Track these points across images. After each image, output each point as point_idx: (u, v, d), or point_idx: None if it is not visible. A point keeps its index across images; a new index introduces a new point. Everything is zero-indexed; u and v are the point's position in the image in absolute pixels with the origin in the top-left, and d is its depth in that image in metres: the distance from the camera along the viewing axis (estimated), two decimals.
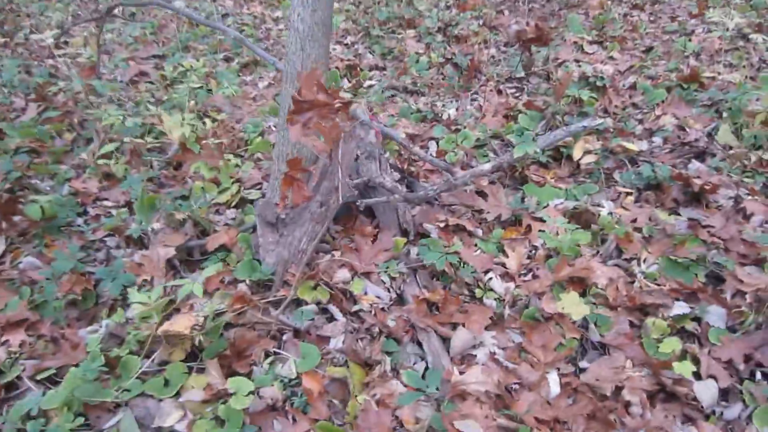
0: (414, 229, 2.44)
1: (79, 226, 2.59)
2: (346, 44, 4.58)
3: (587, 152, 2.86)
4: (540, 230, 2.40)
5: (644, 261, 2.24)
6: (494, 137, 3.09)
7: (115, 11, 3.80)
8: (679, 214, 2.46)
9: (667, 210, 2.49)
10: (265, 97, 3.80)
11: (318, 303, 2.12)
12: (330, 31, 2.33)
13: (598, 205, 2.54)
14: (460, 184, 2.45)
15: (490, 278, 2.19)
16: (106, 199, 2.74)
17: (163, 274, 2.28)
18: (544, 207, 2.54)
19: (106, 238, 2.51)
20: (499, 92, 3.55)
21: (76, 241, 2.47)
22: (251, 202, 2.68)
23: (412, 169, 2.85)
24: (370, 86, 3.79)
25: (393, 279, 2.21)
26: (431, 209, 2.54)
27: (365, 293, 2.15)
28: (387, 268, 2.22)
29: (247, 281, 2.18)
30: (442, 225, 2.41)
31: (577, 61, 3.83)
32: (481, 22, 4.63)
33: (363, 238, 2.34)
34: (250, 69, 4.24)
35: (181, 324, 1.81)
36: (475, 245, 2.36)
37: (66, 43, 4.44)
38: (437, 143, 3.10)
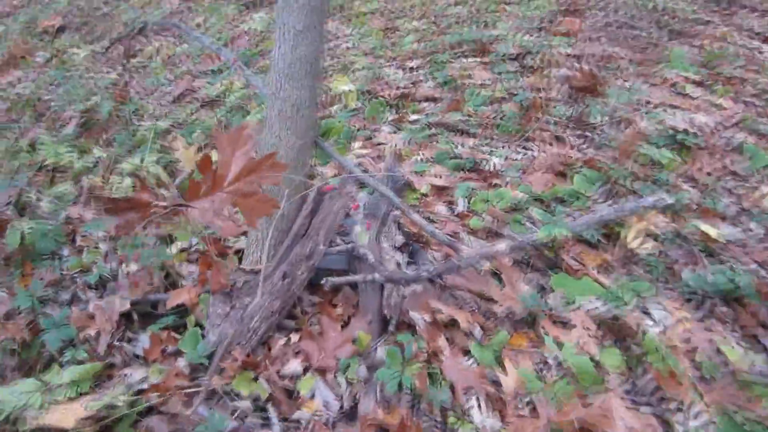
0: (398, 316, 1.99)
1: (62, 258, 2.44)
2: (410, 68, 4.18)
3: (648, 235, 2.23)
4: (558, 342, 1.85)
5: (693, 413, 1.62)
6: (538, 200, 2.53)
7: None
8: (761, 350, 1.79)
9: (745, 340, 1.83)
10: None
11: (255, 399, 1.76)
12: (318, 71, 1.95)
13: (647, 314, 1.93)
14: (465, 266, 1.97)
15: (472, 405, 1.70)
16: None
17: (112, 329, 2.04)
18: (573, 307, 1.98)
19: (77, 275, 2.34)
20: (560, 140, 2.96)
21: (48, 276, 2.32)
22: (237, 252, 2.39)
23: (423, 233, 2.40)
24: (416, 120, 3.36)
25: (350, 384, 1.79)
26: (427, 291, 2.08)
27: (312, 396, 1.76)
28: (347, 367, 1.81)
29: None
30: (430, 318, 1.94)
31: (671, 106, 3.12)
32: (569, 50, 4.01)
33: (330, 322, 1.94)
34: None
35: (64, 416, 1.53)
36: (468, 352, 1.87)
37: (134, 55, 4.47)
38: (468, 200, 2.61)
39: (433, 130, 3.25)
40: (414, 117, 3.40)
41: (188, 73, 4.08)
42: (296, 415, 1.71)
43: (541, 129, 3.04)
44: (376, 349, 1.87)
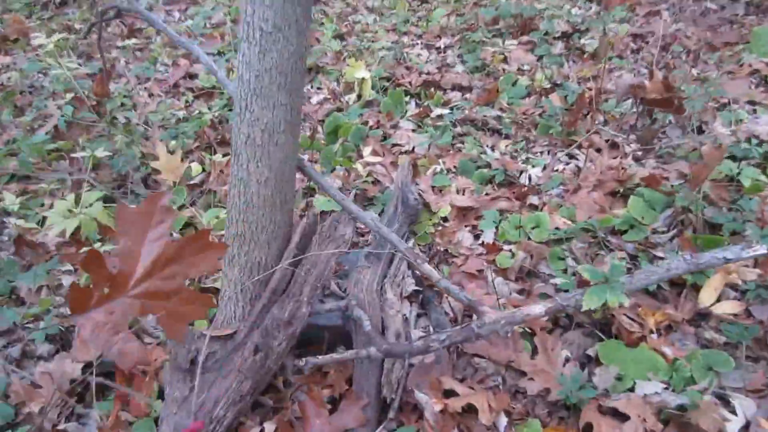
0: (399, 396, 1.58)
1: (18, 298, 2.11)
2: (437, 48, 3.65)
3: (729, 285, 1.74)
4: None
5: None
6: (585, 230, 2.05)
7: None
8: None
9: None
10: (314, 117, 3.07)
11: None
12: (298, 83, 1.51)
13: (726, 402, 1.47)
14: (486, 333, 1.54)
15: None
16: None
17: (58, 404, 1.70)
18: (627, 390, 1.53)
19: (31, 324, 2.00)
20: (615, 147, 2.44)
21: None
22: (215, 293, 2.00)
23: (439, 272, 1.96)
24: (440, 116, 2.88)
25: None
26: (437, 361, 1.65)
27: None
28: None
29: None
30: (441, 405, 1.52)
31: (752, 104, 2.54)
32: (625, 27, 3.40)
33: (313, 407, 1.54)
34: (311, 76, 3.52)
35: None
36: None
37: (132, 33, 4.07)
38: (497, 228, 2.14)
39: (459, 129, 2.77)
40: (438, 111, 2.91)
41: (187, 56, 3.66)
42: None
43: (591, 132, 2.51)
44: None
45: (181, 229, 2.25)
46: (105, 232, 1.95)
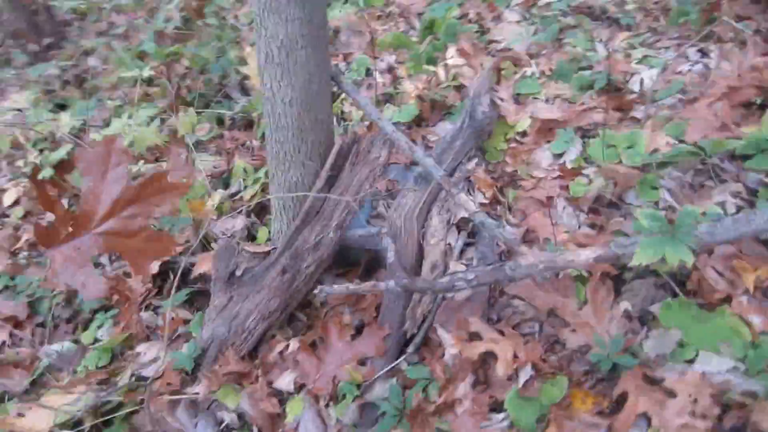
0: (424, 332, 1.51)
1: None
2: None
3: None
4: (646, 414, 1.22)
5: None
6: (694, 153, 1.65)
7: None
8: None
9: None
10: (411, 10, 2.81)
11: (241, 415, 1.53)
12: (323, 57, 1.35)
13: None
14: (520, 276, 1.38)
15: None
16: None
17: (143, 293, 1.94)
18: (685, 361, 1.28)
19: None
20: (760, 45, 1.86)
21: None
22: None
23: (502, 197, 1.76)
24: (549, 3, 2.44)
25: (339, 421, 1.43)
26: (473, 298, 1.52)
27: (297, 428, 1.45)
28: (344, 397, 1.44)
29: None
30: (459, 348, 1.41)
31: None
32: None
33: (337, 331, 1.54)
34: None
35: (38, 419, 1.47)
36: (502, 404, 1.34)
37: None
38: (584, 145, 1.82)
39: (571, 20, 2.33)
40: None
41: None
42: None
43: (719, 26, 1.94)
44: (377, 379, 1.45)
45: None
46: (159, 150, 2.05)
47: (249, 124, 2.47)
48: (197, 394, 1.52)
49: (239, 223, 1.97)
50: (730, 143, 1.60)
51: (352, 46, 2.80)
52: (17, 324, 2.00)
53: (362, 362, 1.49)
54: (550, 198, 1.74)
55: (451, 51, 2.31)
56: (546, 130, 1.92)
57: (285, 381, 1.52)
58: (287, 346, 1.57)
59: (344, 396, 1.44)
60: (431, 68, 2.32)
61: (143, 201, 1.01)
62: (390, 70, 2.50)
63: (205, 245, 1.96)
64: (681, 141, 1.70)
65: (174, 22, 3.03)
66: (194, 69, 2.76)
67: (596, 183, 1.68)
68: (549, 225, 1.66)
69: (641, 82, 1.93)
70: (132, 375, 1.65)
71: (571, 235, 1.62)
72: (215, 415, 1.54)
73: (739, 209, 1.54)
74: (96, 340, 1.89)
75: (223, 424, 1.52)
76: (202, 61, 2.69)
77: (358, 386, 1.44)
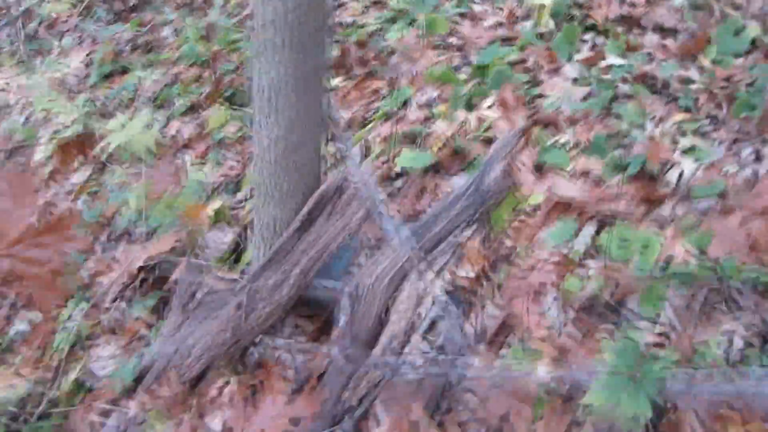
0: (364, 406, 1.41)
1: None
2: None
3: None
4: None
5: None
6: (711, 270, 1.44)
7: None
8: None
9: None
10: (472, 45, 2.68)
11: None
12: (310, 41, 1.29)
13: None
14: (471, 377, 1.26)
15: None
16: None
17: (124, 284, 1.96)
18: None
19: None
20: None
21: None
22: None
23: (493, 274, 1.62)
24: (610, 66, 2.25)
25: None
26: (421, 383, 1.40)
27: None
28: None
29: None
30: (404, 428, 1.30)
31: None
32: None
33: (276, 383, 1.47)
34: None
35: None
36: None
37: None
38: (596, 231, 1.65)
39: (627, 88, 2.14)
40: (613, 60, 2.28)
41: None
42: None
43: None
44: None
45: None
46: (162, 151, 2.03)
47: None
48: (129, 410, 1.50)
49: (229, 236, 1.95)
50: (756, 270, 1.39)
51: (400, 72, 2.71)
52: None
53: (296, 422, 1.42)
54: (543, 284, 1.59)
55: (491, 99, 2.17)
56: (562, 208, 1.76)
57: (215, 420, 1.47)
58: (227, 383, 1.52)
59: None
60: (467, 113, 2.19)
61: (45, 243, 0.99)
62: (428, 106, 2.39)
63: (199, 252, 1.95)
64: (703, 252, 1.49)
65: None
66: (244, 65, 2.78)
67: (594, 282, 1.51)
68: (534, 315, 1.51)
69: (680, 175, 1.73)
70: (82, 369, 1.66)
71: (551, 333, 1.46)
72: None
73: (747, 346, 1.33)
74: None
75: None
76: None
77: None
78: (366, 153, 2.22)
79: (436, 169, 2.05)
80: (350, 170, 1.53)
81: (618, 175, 1.81)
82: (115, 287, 1.91)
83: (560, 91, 2.23)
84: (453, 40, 2.75)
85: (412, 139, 2.20)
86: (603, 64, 2.28)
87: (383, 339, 1.47)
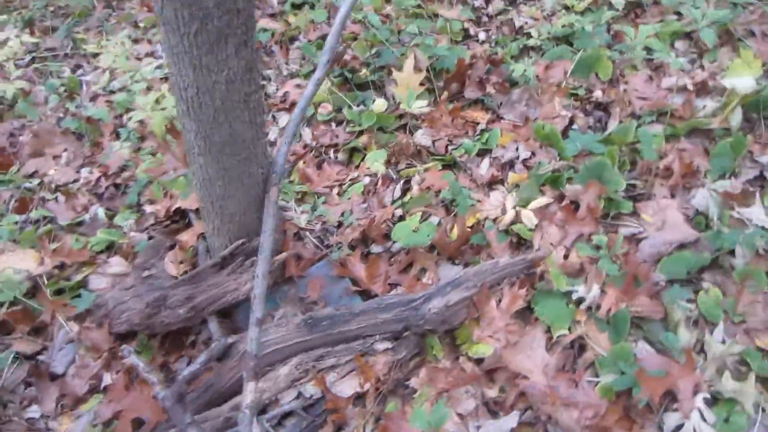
0: None
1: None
2: None
3: None
4: None
5: None
6: None
7: None
8: None
9: None
10: None
11: None
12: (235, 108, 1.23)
13: None
14: None
15: None
16: None
17: None
18: None
19: None
20: None
21: None
22: None
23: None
24: None
25: None
26: None
27: None
28: None
29: None
30: None
31: None
32: None
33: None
34: None
35: None
36: None
37: None
38: None
39: None
40: None
41: None
42: None
43: None
44: None
45: None
46: (172, 133, 2.06)
47: (360, 133, 2.28)
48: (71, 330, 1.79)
49: None
50: None
51: (517, 109, 2.27)
52: None
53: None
54: None
55: (546, 199, 1.76)
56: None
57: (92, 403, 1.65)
58: (118, 371, 1.68)
59: None
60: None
61: None
62: (503, 166, 2.04)
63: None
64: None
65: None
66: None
67: None
68: None
69: None
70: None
71: None
72: None
73: None
74: None
75: None
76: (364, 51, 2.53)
77: None
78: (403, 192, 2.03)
79: (445, 248, 1.79)
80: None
81: None
82: None
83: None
84: (599, 93, 2.18)
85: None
86: None
87: (230, 402, 1.48)
